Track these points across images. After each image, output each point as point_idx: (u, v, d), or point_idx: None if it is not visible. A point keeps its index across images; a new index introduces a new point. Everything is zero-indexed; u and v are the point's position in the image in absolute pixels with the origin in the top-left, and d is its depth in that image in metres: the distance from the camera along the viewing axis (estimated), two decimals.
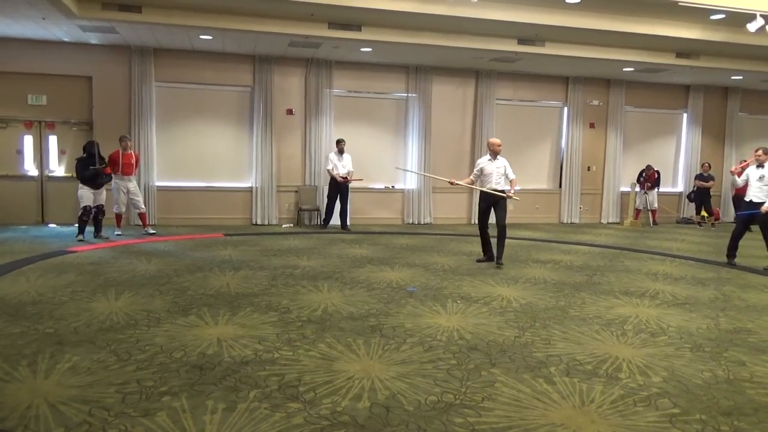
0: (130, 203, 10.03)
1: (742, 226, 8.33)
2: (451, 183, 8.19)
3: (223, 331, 4.53)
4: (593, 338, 4.61)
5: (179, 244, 8.94)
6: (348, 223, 11.48)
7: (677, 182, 14.82)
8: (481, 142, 12.87)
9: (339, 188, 11.29)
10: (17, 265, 6.91)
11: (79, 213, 9.12)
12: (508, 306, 5.56)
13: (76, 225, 9.28)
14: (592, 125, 13.85)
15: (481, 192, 7.78)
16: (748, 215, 8.16)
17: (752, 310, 5.71)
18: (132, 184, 9.96)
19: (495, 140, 7.90)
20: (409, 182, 12.71)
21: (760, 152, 8.09)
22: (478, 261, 7.93)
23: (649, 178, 13.40)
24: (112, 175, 9.72)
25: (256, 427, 2.94)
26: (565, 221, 13.81)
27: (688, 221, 14.28)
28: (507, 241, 7.89)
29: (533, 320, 5.07)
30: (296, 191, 12.05)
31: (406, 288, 6.21)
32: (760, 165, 8.09)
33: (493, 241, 7.80)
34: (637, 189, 13.48)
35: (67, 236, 9.47)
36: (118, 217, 9.94)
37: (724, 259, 8.52)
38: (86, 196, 9.13)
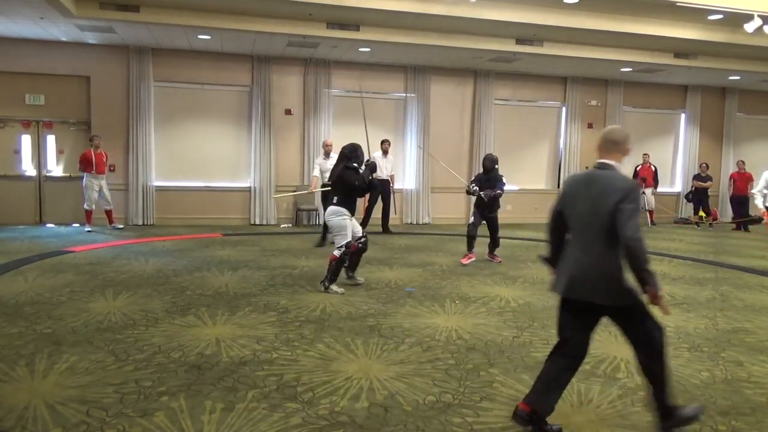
0: (100, 200, 10.27)
1: None
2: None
3: (221, 331, 4.53)
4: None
5: (177, 244, 8.93)
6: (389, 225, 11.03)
7: (675, 182, 14.84)
8: (479, 142, 12.89)
9: (381, 190, 10.70)
10: (15, 265, 6.90)
11: (341, 251, 6.01)
12: (507, 306, 5.57)
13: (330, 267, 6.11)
14: (590, 125, 13.86)
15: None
16: None
17: (750, 310, 5.72)
18: (104, 182, 10.27)
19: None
20: (408, 182, 12.71)
21: None
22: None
23: (644, 173, 13.36)
24: (85, 175, 10.04)
25: (254, 427, 2.93)
26: None
27: (685, 221, 14.30)
28: (504, 241, 8.44)
29: (531, 320, 5.08)
30: (295, 191, 12.03)
31: (404, 288, 6.21)
32: None
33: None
34: None
35: (64, 236, 9.46)
36: (89, 214, 10.18)
37: (722, 258, 8.52)
38: (349, 226, 6.11)
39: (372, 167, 6.41)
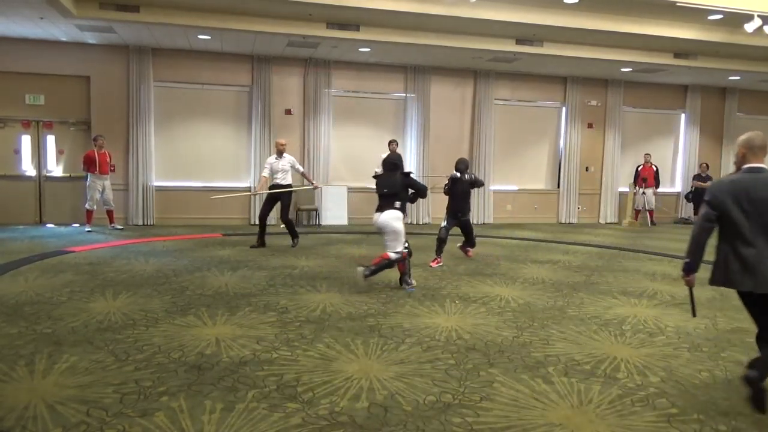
0: (101, 201, 10.26)
1: None
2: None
3: (221, 331, 4.53)
4: (591, 338, 4.61)
5: (177, 244, 8.93)
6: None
7: (675, 182, 14.84)
8: (479, 142, 12.89)
9: None
10: (15, 266, 6.90)
11: (398, 255, 6.03)
12: (507, 306, 5.57)
13: (373, 269, 6.01)
14: (590, 125, 13.86)
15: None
16: None
17: None
18: (107, 183, 10.28)
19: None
20: None
21: None
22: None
23: (645, 173, 13.35)
24: (89, 175, 10.04)
25: (254, 427, 2.93)
26: (563, 221, 13.82)
27: (686, 221, 14.30)
28: (504, 241, 8.34)
29: (531, 320, 5.08)
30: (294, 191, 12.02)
31: (404, 288, 6.21)
32: None
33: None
34: (636, 189, 13.49)
35: (64, 236, 9.46)
36: (90, 213, 10.17)
37: None
38: (404, 232, 6.16)
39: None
